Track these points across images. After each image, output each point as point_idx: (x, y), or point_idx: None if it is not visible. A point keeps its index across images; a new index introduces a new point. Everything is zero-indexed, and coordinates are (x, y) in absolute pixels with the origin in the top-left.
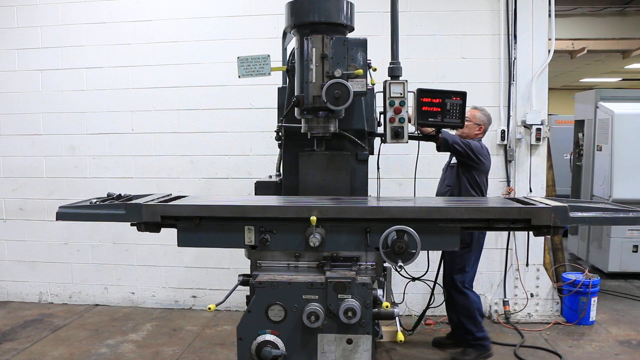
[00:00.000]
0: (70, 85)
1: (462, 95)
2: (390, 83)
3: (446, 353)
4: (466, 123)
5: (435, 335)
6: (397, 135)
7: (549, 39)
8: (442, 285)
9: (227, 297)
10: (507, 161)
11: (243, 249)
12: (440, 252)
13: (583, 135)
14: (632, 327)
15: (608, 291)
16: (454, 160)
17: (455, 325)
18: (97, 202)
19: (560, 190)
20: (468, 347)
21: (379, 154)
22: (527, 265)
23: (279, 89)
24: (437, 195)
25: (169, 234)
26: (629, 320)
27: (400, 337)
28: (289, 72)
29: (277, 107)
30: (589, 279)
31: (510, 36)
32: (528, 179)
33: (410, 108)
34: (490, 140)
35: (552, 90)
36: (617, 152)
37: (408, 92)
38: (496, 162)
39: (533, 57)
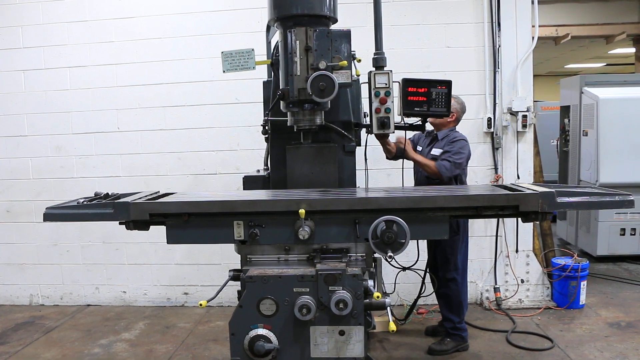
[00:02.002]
0: (54, 85)
1: (448, 83)
2: (375, 74)
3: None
4: None
5: (428, 324)
6: (383, 125)
7: (533, 26)
8: (431, 273)
9: (218, 292)
10: (494, 148)
11: (233, 244)
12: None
13: (569, 120)
14: (621, 309)
15: (597, 274)
16: (435, 151)
17: (440, 311)
18: (85, 202)
19: (547, 176)
20: (446, 337)
21: (366, 145)
22: (516, 251)
23: (264, 82)
24: (416, 183)
25: (159, 232)
26: (617, 302)
27: (393, 327)
28: (273, 66)
29: (262, 101)
30: (578, 263)
31: (494, 24)
32: (515, 166)
33: (395, 98)
34: (476, 128)
35: (537, 77)
36: (602, 136)
37: (393, 82)
38: (483, 150)
39: (517, 44)
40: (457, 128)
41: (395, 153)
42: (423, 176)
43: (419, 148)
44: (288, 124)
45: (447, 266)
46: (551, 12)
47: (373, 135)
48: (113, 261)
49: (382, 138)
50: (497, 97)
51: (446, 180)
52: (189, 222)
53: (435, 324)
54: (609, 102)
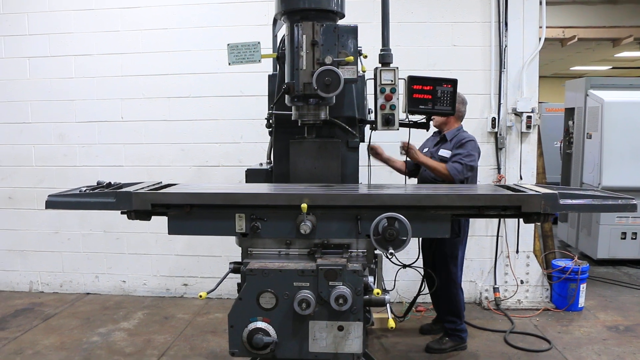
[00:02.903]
0: (58, 73)
1: (453, 82)
2: (381, 70)
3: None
4: None
5: (426, 322)
6: (388, 122)
7: (540, 27)
8: (431, 272)
9: (218, 284)
10: (498, 149)
11: (234, 237)
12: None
13: (573, 123)
14: (620, 312)
15: (597, 278)
16: (444, 152)
17: (441, 312)
18: (87, 191)
19: (550, 178)
20: (445, 336)
21: (369, 141)
22: (517, 252)
23: (269, 76)
24: (419, 181)
25: (160, 222)
26: (616, 306)
27: (391, 323)
28: (279, 60)
29: (267, 94)
30: (578, 265)
31: (501, 24)
32: (518, 167)
33: (401, 95)
34: (480, 128)
35: (543, 78)
36: (606, 140)
37: (399, 79)
38: (487, 150)
39: (524, 44)
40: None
41: (408, 168)
42: (430, 176)
43: (425, 150)
44: (292, 118)
45: (446, 267)
46: (558, 14)
47: (377, 131)
48: (113, 250)
49: (386, 162)
50: (502, 97)
51: (457, 182)
52: (191, 213)
53: (429, 322)
54: (614, 105)
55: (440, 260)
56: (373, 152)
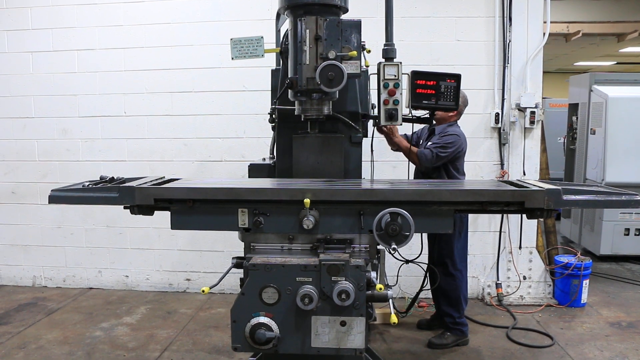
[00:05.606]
0: (61, 68)
1: (457, 77)
2: (384, 65)
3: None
4: None
5: (429, 317)
6: (391, 117)
7: (544, 22)
8: (434, 267)
9: (220, 279)
10: (501, 144)
11: (237, 232)
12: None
13: (577, 118)
14: (622, 309)
15: (599, 274)
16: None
17: (440, 306)
18: (90, 185)
19: (553, 174)
20: (446, 331)
21: (372, 137)
22: (520, 248)
23: (272, 71)
24: (415, 176)
25: (163, 217)
26: (619, 302)
27: (394, 319)
28: (282, 54)
29: (270, 89)
30: (581, 261)
31: (505, 18)
32: (522, 162)
33: (404, 90)
34: (484, 123)
35: (547, 73)
36: (610, 135)
37: (402, 74)
38: (490, 145)
39: (528, 39)
40: (460, 123)
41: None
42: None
43: (421, 142)
44: (295, 113)
45: (442, 261)
46: (563, 9)
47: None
48: (116, 245)
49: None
50: (506, 93)
51: (422, 169)
52: (194, 208)
53: (427, 318)
54: (618, 100)
55: (437, 254)
56: (388, 133)
